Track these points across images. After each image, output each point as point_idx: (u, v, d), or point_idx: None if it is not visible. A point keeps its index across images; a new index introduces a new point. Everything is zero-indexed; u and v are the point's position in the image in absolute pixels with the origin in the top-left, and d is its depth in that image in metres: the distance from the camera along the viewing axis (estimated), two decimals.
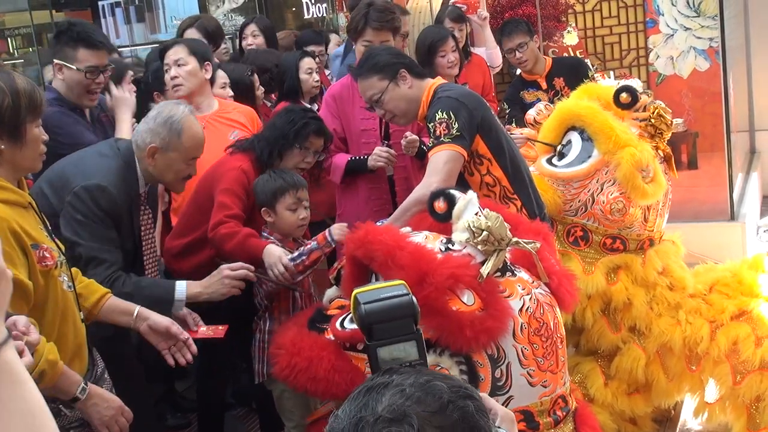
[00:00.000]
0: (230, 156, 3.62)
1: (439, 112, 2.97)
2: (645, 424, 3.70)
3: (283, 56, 5.03)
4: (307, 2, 7.83)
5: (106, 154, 3.01)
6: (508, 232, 2.36)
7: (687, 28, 8.62)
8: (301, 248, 3.30)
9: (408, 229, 2.58)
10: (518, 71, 5.60)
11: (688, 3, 8.55)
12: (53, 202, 2.87)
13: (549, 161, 3.58)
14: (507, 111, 5.31)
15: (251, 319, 3.48)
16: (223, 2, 8.45)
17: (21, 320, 2.00)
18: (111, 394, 2.48)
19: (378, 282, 1.94)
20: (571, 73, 4.97)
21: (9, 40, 8.71)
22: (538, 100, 4.87)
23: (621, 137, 3.40)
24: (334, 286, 2.79)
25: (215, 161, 3.66)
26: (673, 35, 8.55)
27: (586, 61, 4.39)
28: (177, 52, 4.00)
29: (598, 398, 3.52)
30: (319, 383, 2.35)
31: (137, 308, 2.70)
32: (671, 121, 3.64)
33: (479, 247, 2.34)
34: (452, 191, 2.55)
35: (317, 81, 4.69)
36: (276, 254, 3.22)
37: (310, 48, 5.33)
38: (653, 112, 3.60)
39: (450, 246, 2.41)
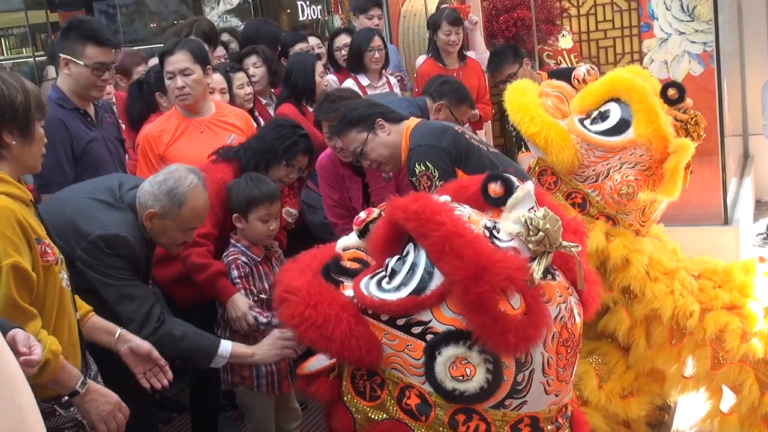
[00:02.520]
0: (213, 164, 3.60)
1: (418, 165, 3.03)
2: (639, 427, 3.69)
3: (291, 56, 5.05)
4: (301, 4, 7.85)
5: (115, 205, 2.96)
6: (560, 236, 2.26)
7: (681, 33, 8.66)
8: (273, 316, 3.27)
9: (448, 197, 2.41)
10: None
11: (682, 7, 8.58)
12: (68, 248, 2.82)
13: (581, 122, 3.53)
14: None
15: None
16: (218, 3, 8.45)
17: (20, 337, 1.98)
18: (108, 390, 2.48)
19: None
20: (568, 82, 4.95)
21: (2, 39, 8.68)
22: None
23: (662, 127, 3.37)
24: (353, 234, 2.67)
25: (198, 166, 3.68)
26: (667, 39, 8.58)
27: (580, 66, 4.33)
28: (182, 61, 3.91)
29: (591, 400, 3.52)
30: (332, 344, 2.26)
31: (119, 330, 2.69)
32: (703, 133, 3.64)
33: (530, 245, 2.24)
34: (510, 176, 2.42)
35: (326, 85, 4.73)
36: (241, 309, 3.27)
37: (297, 46, 5.36)
38: (692, 118, 3.60)
39: (495, 233, 2.30)
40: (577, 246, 2.29)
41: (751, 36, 7.21)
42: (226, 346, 2.99)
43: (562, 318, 2.28)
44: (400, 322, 2.27)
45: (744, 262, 3.76)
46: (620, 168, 3.41)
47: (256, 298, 3.38)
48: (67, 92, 3.57)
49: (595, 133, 3.46)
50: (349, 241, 2.68)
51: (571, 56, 8.72)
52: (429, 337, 2.23)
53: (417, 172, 2.97)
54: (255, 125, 4.30)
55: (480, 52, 6.10)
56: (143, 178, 3.12)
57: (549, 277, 2.30)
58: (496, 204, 2.38)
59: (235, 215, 3.41)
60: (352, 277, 2.46)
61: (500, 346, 2.16)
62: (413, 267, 2.30)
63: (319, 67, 4.75)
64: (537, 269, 2.19)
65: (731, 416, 3.52)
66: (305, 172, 3.78)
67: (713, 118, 5.83)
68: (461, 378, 2.22)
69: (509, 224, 2.29)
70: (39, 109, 2.35)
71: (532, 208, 2.29)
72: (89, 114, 3.65)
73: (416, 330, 2.25)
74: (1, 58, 8.49)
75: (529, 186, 2.34)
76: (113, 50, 3.62)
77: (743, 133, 7.45)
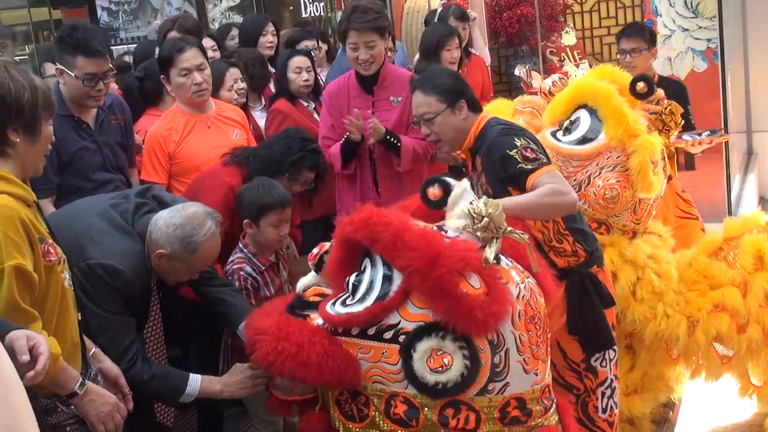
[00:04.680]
0: (223, 167, 3.61)
1: (517, 140, 2.88)
2: (643, 425, 3.69)
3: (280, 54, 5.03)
4: (304, 1, 7.83)
5: (125, 230, 2.87)
6: (504, 221, 2.37)
7: (685, 29, 8.63)
8: None
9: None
10: None
11: (686, 4, 8.56)
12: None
13: (554, 134, 3.53)
14: None
15: None
16: (221, 0, 8.44)
17: (19, 344, 1.94)
18: (107, 391, 2.48)
19: None
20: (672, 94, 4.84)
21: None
22: None
23: (632, 126, 3.36)
24: (311, 273, 2.72)
25: (209, 166, 3.70)
26: (670, 36, 8.55)
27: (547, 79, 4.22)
28: (196, 56, 3.93)
29: None
30: (310, 369, 2.32)
31: (95, 348, 2.65)
32: (681, 120, 3.63)
33: (478, 233, 2.34)
34: (447, 178, 2.54)
35: (305, 80, 4.63)
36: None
37: (302, 44, 5.32)
38: (666, 108, 3.59)
39: (444, 233, 2.40)
40: (524, 234, 2.42)
41: (755, 32, 7.19)
42: (194, 384, 2.88)
43: (523, 297, 2.38)
44: (371, 331, 2.33)
45: (749, 216, 3.73)
46: (600, 173, 3.39)
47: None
48: (65, 98, 3.55)
49: (568, 143, 3.45)
50: (307, 280, 2.72)
51: (575, 53, 8.71)
52: (401, 338, 2.29)
53: (518, 144, 2.84)
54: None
55: (478, 48, 6.11)
56: (162, 200, 3.02)
57: (503, 262, 2.41)
58: (438, 206, 2.52)
59: (246, 221, 3.38)
60: (317, 309, 2.50)
61: (470, 325, 2.23)
62: (372, 277, 2.38)
63: (294, 63, 4.65)
64: (489, 252, 2.30)
65: (764, 387, 3.55)
66: (313, 185, 3.75)
67: (717, 114, 5.82)
68: (441, 369, 2.27)
69: (454, 221, 2.42)
70: (47, 107, 2.33)
71: (471, 202, 2.40)
72: (85, 121, 3.61)
73: (388, 335, 2.31)
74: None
75: (465, 183, 2.48)
76: (106, 60, 3.54)
77: (747, 130, 7.43)
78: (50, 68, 5.16)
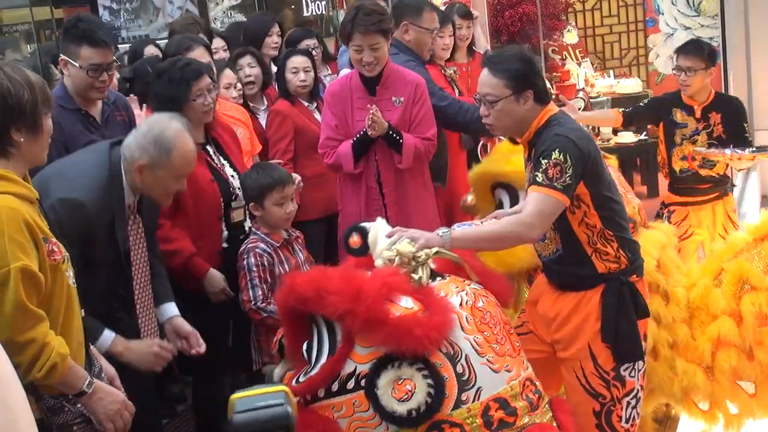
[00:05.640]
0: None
1: (557, 153, 2.77)
2: (645, 423, 3.69)
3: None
4: (306, 0, 7.83)
5: (95, 163, 2.92)
6: (412, 247, 2.48)
7: (687, 28, 8.63)
8: (272, 306, 3.38)
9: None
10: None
11: (688, 2, 8.56)
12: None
13: None
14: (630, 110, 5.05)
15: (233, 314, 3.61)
16: (222, 0, 8.44)
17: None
18: (114, 389, 2.49)
19: (260, 387, 1.95)
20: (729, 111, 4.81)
21: (7, 36, 8.67)
22: (686, 124, 4.74)
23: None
24: (281, 363, 2.77)
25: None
26: (672, 34, 8.57)
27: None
28: (203, 56, 3.98)
29: None
30: None
31: (92, 347, 2.64)
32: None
33: (402, 270, 2.44)
34: (362, 224, 2.65)
35: (302, 80, 4.61)
36: (218, 285, 3.50)
37: (303, 43, 5.31)
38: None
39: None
40: (454, 255, 2.57)
41: (757, 31, 7.18)
42: (106, 340, 2.83)
43: (467, 302, 2.45)
44: (335, 387, 2.38)
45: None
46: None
47: (274, 286, 3.40)
48: (70, 92, 3.56)
49: None
50: (279, 371, 2.77)
51: (576, 51, 8.71)
52: (363, 382, 2.34)
53: (552, 157, 2.75)
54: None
55: (480, 47, 6.11)
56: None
57: (440, 278, 2.50)
58: (362, 253, 2.62)
59: (251, 204, 3.52)
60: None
61: (413, 343, 2.27)
62: (320, 337, 2.44)
63: (292, 63, 4.64)
64: (422, 275, 2.43)
65: None
66: (218, 89, 3.75)
67: None
68: (407, 396, 2.31)
69: (378, 263, 2.53)
70: (45, 102, 2.34)
71: (389, 235, 2.55)
72: (92, 115, 3.62)
73: (351, 385, 2.36)
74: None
75: (379, 221, 2.62)
76: (111, 51, 3.55)
77: (749, 128, 7.42)
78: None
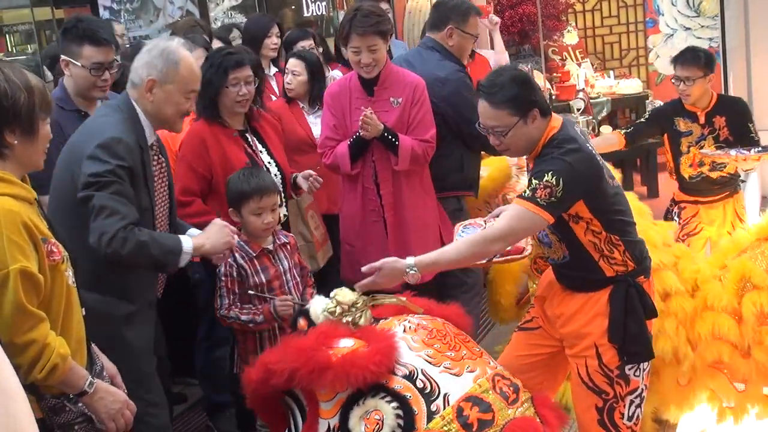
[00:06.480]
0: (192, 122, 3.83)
1: (549, 175, 2.75)
2: (645, 423, 3.69)
3: None
4: (306, 0, 7.83)
5: (106, 113, 3.03)
6: (352, 294, 2.57)
7: (687, 28, 8.64)
8: (254, 315, 3.39)
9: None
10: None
11: (688, 3, 8.56)
12: (76, 179, 2.88)
13: None
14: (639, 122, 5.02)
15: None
16: (223, 0, 8.44)
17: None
18: (116, 389, 2.50)
19: None
20: (733, 113, 4.72)
21: (8, 37, 8.67)
22: (690, 132, 4.71)
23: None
24: None
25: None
26: (672, 35, 8.57)
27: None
28: (201, 58, 3.96)
29: None
30: None
31: (93, 345, 2.64)
32: None
33: (344, 320, 2.51)
34: (306, 306, 2.69)
35: (288, 83, 4.67)
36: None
37: (299, 45, 5.33)
38: None
39: None
40: (391, 297, 2.66)
41: (757, 31, 7.18)
42: (187, 243, 2.97)
43: (410, 327, 2.52)
44: None
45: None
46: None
47: (247, 293, 3.40)
48: (70, 93, 3.56)
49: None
50: None
51: (576, 52, 8.71)
52: None
53: (544, 179, 2.75)
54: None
55: (499, 52, 6.12)
56: None
57: (382, 320, 2.60)
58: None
59: (230, 210, 3.46)
60: None
61: (363, 372, 2.30)
62: (293, 410, 2.49)
63: (289, 65, 4.69)
64: (362, 320, 2.53)
65: None
66: (257, 82, 3.85)
67: None
68: (379, 426, 2.32)
69: (320, 319, 2.59)
70: (44, 107, 2.34)
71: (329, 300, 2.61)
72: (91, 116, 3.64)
73: None
74: (6, 55, 8.49)
75: (316, 298, 2.67)
76: (113, 49, 3.57)
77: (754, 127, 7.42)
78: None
